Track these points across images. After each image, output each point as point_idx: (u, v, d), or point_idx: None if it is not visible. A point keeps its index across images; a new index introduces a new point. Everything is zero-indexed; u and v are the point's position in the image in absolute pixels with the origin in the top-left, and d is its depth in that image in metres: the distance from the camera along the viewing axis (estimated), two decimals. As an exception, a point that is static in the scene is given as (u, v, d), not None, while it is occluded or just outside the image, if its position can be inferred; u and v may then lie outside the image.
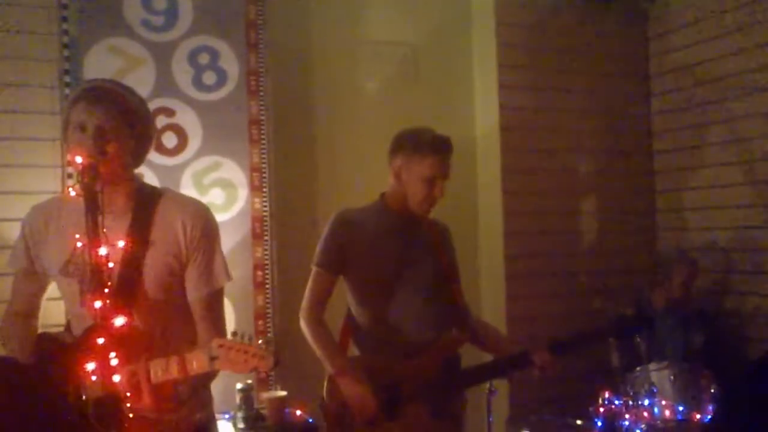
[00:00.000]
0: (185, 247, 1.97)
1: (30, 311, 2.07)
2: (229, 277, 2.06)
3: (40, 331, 2.05)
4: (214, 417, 2.15)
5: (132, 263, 1.89)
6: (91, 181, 1.70)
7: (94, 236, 1.66)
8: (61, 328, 2.07)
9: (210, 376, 1.89)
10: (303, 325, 2.46)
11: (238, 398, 2.95)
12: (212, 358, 1.72)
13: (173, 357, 1.75)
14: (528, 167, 3.87)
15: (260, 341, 1.70)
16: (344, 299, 2.57)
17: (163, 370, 1.75)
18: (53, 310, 2.21)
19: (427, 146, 2.42)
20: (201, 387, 1.98)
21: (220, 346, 1.71)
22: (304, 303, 2.48)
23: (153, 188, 2.09)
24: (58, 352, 1.86)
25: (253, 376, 3.07)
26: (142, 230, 1.93)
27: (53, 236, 1.97)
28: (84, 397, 1.71)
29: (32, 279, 2.04)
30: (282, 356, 1.73)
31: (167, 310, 1.97)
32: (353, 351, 2.58)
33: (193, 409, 1.99)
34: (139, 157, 2.03)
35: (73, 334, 1.96)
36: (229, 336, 1.74)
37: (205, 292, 2.00)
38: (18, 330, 2.03)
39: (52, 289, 2.10)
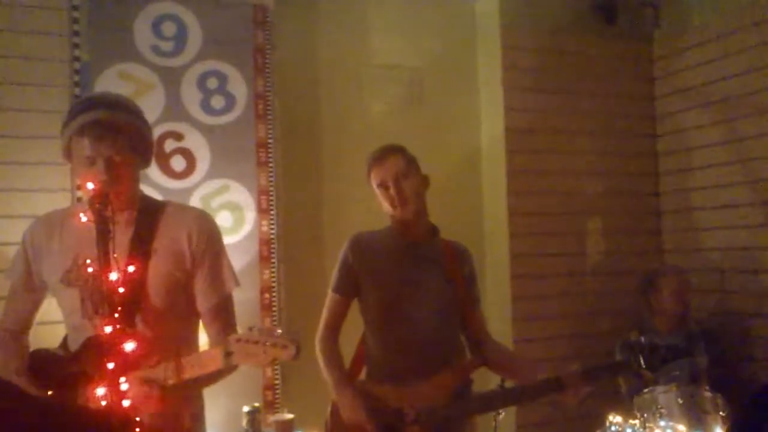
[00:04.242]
0: (191, 258, 1.99)
1: (21, 329, 2.08)
2: (236, 282, 2.08)
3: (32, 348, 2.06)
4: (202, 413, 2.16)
5: (135, 274, 1.91)
6: (103, 206, 1.73)
7: (105, 262, 1.68)
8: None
9: (224, 373, 1.89)
10: (317, 350, 2.46)
11: (244, 421, 2.94)
12: (228, 354, 1.74)
13: (186, 358, 1.78)
14: (533, 189, 3.88)
15: (279, 331, 1.71)
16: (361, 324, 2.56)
17: (173, 372, 1.78)
18: (43, 335, 2.19)
19: (370, 159, 2.48)
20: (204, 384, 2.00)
21: (238, 340, 1.73)
22: (320, 329, 2.49)
23: (155, 200, 2.12)
24: (54, 364, 1.89)
25: (260, 398, 3.08)
26: (144, 241, 1.95)
27: (56, 248, 1.99)
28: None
29: (29, 291, 2.05)
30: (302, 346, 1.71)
31: (171, 320, 1.99)
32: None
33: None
34: (144, 164, 2.06)
35: (70, 350, 1.96)
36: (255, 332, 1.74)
37: (215, 300, 2.03)
38: (9, 345, 2.05)
39: (41, 315, 2.11)
